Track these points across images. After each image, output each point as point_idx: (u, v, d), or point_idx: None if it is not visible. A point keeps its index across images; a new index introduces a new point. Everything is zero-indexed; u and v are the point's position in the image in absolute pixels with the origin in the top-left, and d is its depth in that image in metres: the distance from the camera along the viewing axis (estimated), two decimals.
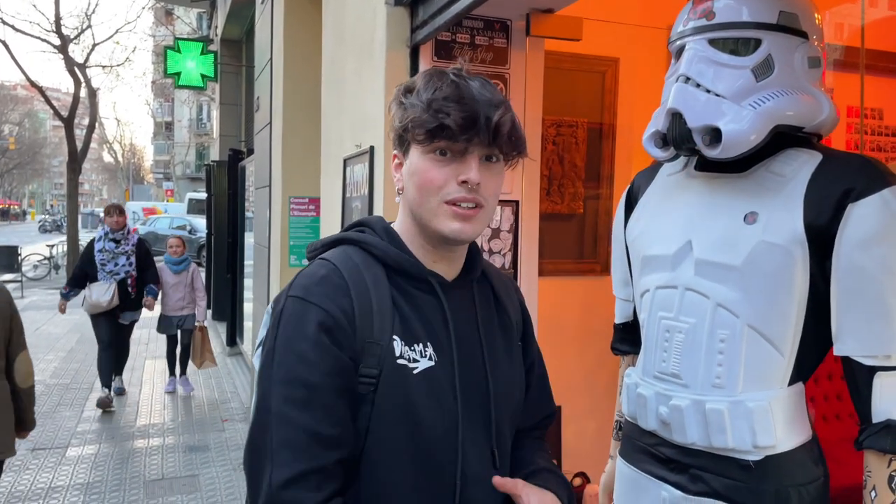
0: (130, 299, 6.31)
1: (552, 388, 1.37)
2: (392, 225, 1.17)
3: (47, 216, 46.94)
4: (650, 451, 1.53)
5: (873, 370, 1.28)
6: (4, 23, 16.57)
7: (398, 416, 1.04)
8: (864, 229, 1.28)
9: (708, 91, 1.38)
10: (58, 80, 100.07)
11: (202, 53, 10.25)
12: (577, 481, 3.19)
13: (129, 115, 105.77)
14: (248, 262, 8.16)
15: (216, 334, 9.50)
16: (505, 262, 2.72)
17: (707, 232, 1.43)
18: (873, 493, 1.28)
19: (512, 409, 1.19)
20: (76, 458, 5.10)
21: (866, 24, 2.92)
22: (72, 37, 17.62)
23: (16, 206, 58.61)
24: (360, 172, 3.04)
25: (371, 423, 1.03)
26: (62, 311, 6.42)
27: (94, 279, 6.17)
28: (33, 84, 17.19)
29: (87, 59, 18.30)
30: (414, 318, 1.09)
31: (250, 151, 8.14)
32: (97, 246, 6.27)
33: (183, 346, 6.91)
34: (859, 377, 1.30)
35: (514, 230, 2.73)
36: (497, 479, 1.10)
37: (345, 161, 3.29)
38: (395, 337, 1.05)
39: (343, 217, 3.35)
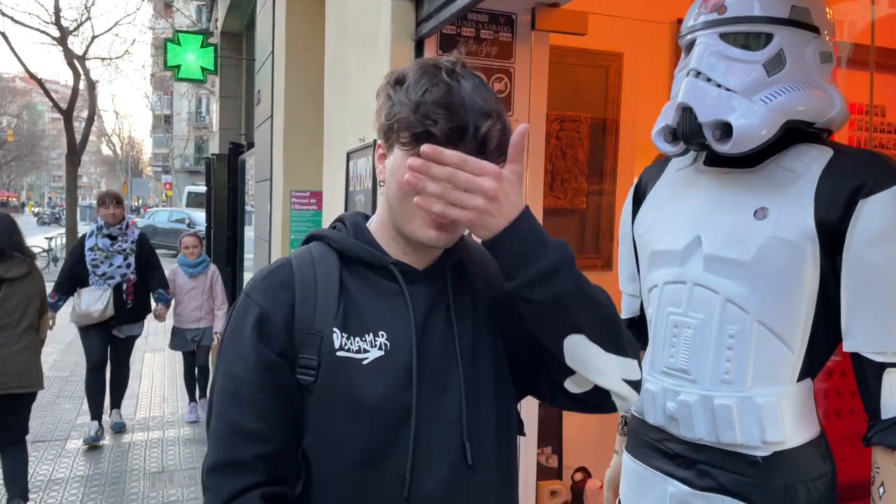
0: (127, 309, 5.19)
1: None
2: (373, 216, 1.17)
3: (42, 209, 46.80)
4: (657, 446, 1.53)
5: (883, 367, 1.29)
6: (4, 14, 16.53)
7: (341, 407, 1.03)
8: (875, 225, 1.27)
9: (719, 86, 1.38)
10: (56, 72, 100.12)
11: (202, 46, 10.22)
12: (579, 476, 3.19)
13: (127, 108, 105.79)
14: (248, 256, 8.14)
15: None
16: None
17: (716, 227, 1.43)
18: (881, 490, 1.28)
19: (499, 397, 1.13)
20: (76, 451, 5.10)
21: (868, 22, 2.91)
22: (71, 29, 17.60)
23: (14, 199, 58.56)
24: (363, 166, 3.03)
25: (313, 413, 1.04)
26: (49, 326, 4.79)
27: (85, 283, 5.09)
28: (32, 76, 17.18)
29: (86, 52, 18.28)
30: (370, 308, 1.07)
31: (250, 145, 8.12)
32: (88, 243, 5.16)
33: (199, 367, 5.71)
34: (868, 373, 1.30)
35: None
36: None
37: (348, 155, 3.28)
38: (335, 329, 1.05)
39: (346, 211, 3.35)
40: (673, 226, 1.52)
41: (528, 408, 2.56)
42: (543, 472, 3.00)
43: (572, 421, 3.26)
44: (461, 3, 2.25)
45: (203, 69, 10.38)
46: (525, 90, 2.68)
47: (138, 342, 5.59)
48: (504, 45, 2.64)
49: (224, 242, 9.26)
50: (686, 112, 1.41)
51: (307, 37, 5.11)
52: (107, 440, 5.30)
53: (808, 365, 1.38)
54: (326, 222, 3.92)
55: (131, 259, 5.20)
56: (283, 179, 5.43)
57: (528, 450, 2.64)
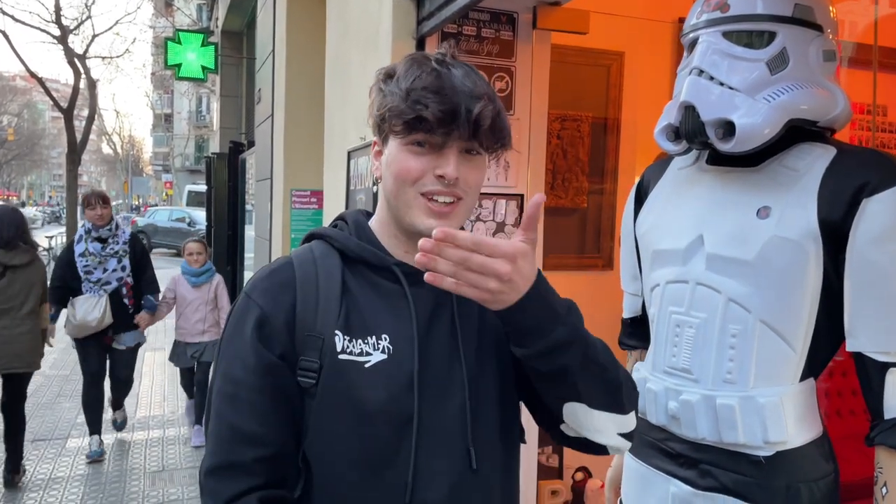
0: (128, 315, 4.83)
1: None
2: (373, 216, 1.15)
3: (39, 209, 46.65)
4: (659, 445, 1.53)
5: (886, 366, 1.28)
6: (4, 13, 16.54)
7: (342, 410, 1.02)
8: (879, 225, 1.27)
9: (722, 84, 1.37)
10: (57, 70, 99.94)
11: (203, 45, 10.22)
12: (579, 476, 3.19)
13: (128, 107, 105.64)
14: (249, 255, 8.14)
15: None
16: None
17: (719, 226, 1.42)
18: (884, 490, 1.28)
19: (503, 402, 1.12)
20: (76, 449, 5.09)
21: (871, 21, 2.90)
22: (72, 27, 17.60)
23: (14, 198, 58.55)
24: (364, 165, 3.03)
25: (314, 416, 1.03)
26: (50, 344, 4.72)
27: (79, 292, 4.71)
28: (33, 75, 17.19)
29: (86, 50, 18.27)
30: (372, 309, 1.06)
31: (251, 144, 8.11)
32: (77, 249, 4.76)
33: (198, 383, 5.13)
34: (871, 373, 1.30)
35: (520, 224, 2.71)
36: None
37: (349, 153, 3.28)
38: (337, 332, 1.03)
39: (347, 210, 3.34)
40: (675, 225, 1.51)
41: None
42: (544, 472, 3.00)
43: None
44: (462, 2, 2.24)
45: (203, 68, 10.39)
46: (526, 89, 2.67)
47: None
48: (505, 44, 2.63)
49: (224, 241, 9.26)
50: (689, 110, 1.40)
51: (308, 36, 5.10)
52: (107, 439, 5.30)
53: (811, 364, 1.38)
54: (327, 221, 3.91)
55: (126, 261, 4.83)
56: (284, 178, 5.43)
57: (528, 449, 2.63)
